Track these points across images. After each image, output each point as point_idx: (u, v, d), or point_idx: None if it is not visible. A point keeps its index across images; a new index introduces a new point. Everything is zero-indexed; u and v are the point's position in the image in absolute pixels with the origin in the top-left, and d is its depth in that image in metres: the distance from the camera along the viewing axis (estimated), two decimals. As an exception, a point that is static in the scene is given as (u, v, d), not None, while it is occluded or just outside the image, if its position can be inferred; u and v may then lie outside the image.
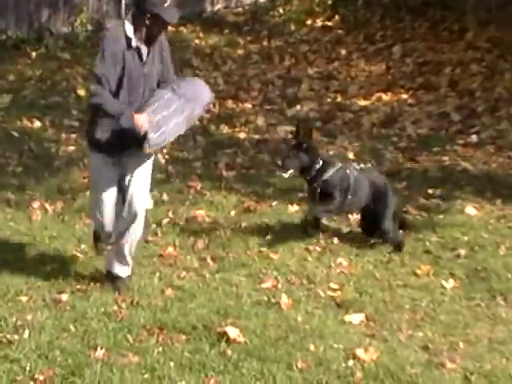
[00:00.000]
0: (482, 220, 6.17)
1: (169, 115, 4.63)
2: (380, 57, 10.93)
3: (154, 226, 5.88)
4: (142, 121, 4.56)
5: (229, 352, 4.23)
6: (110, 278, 4.98)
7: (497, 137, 8.22)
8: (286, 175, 5.62)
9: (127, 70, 4.62)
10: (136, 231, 4.88)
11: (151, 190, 5.15)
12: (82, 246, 5.57)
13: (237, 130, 8.64)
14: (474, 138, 8.25)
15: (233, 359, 4.16)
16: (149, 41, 4.67)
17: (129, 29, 4.63)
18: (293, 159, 5.56)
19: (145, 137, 4.56)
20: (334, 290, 5.03)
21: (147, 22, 4.56)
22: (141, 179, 4.82)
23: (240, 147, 8.04)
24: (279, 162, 5.64)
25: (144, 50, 4.68)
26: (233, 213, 6.34)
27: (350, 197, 5.62)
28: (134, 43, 4.64)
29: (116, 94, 4.61)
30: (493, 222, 6.15)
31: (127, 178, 4.81)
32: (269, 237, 5.84)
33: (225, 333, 4.37)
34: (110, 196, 4.84)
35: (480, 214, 6.30)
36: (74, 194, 6.55)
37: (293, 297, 4.93)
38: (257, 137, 8.42)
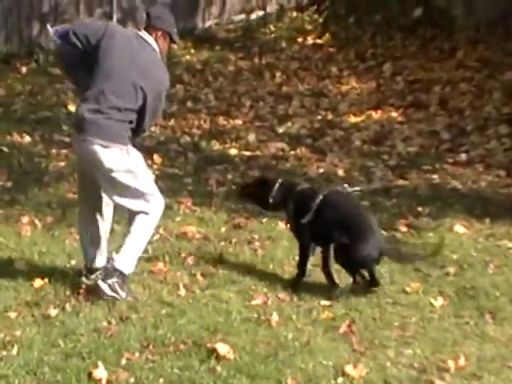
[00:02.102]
0: (471, 238, 6.19)
1: None
2: (371, 74, 10.99)
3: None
4: None
5: (218, 369, 4.21)
6: None
7: (486, 155, 8.28)
8: None
9: None
10: None
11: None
12: (72, 262, 5.55)
13: (227, 146, 8.66)
14: (463, 156, 8.31)
15: (222, 376, 4.15)
16: None
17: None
18: None
19: None
20: (324, 307, 5.03)
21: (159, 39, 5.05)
22: None
23: (231, 163, 8.06)
24: None
25: None
26: (223, 229, 6.34)
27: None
28: None
29: None
30: (482, 240, 6.17)
31: None
32: (259, 253, 5.84)
33: (214, 349, 4.36)
34: None
35: (469, 232, 6.33)
36: (64, 209, 6.54)
37: (283, 313, 4.92)
38: (247, 153, 8.44)
